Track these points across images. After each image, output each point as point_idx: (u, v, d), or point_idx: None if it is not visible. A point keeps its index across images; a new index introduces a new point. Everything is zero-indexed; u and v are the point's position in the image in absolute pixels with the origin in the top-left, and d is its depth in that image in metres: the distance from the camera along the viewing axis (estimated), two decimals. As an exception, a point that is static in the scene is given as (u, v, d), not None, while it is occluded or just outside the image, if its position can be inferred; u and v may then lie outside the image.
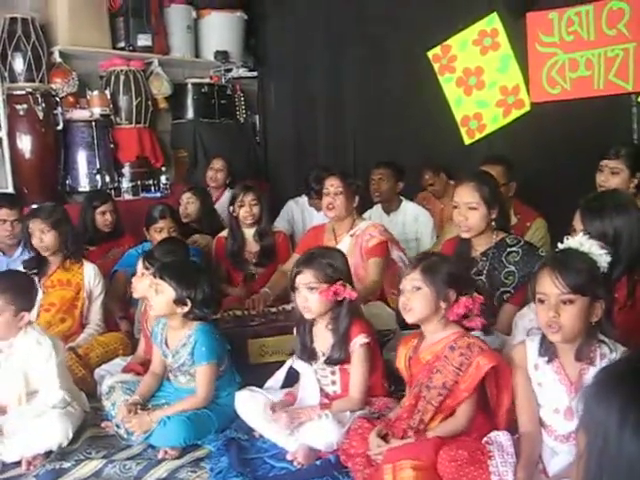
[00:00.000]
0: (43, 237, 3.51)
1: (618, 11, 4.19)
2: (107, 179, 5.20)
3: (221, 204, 5.10)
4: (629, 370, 1.07)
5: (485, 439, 2.09)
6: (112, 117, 5.41)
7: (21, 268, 3.53)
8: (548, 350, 2.09)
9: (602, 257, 2.05)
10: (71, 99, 5.18)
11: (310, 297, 2.56)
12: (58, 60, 5.18)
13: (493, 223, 3.01)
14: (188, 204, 4.66)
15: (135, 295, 3.22)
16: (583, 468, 1.06)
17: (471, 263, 3.03)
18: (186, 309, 2.75)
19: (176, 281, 2.73)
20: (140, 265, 3.11)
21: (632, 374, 1.05)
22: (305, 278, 2.57)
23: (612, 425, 0.99)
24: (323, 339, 2.64)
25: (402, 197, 4.86)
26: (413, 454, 2.05)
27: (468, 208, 2.98)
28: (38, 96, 4.75)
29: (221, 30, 6.27)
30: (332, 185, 3.65)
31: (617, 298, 2.33)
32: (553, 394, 2.09)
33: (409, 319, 2.30)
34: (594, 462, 1.03)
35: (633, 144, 4.01)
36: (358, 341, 2.56)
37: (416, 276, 2.27)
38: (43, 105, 4.76)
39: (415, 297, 2.26)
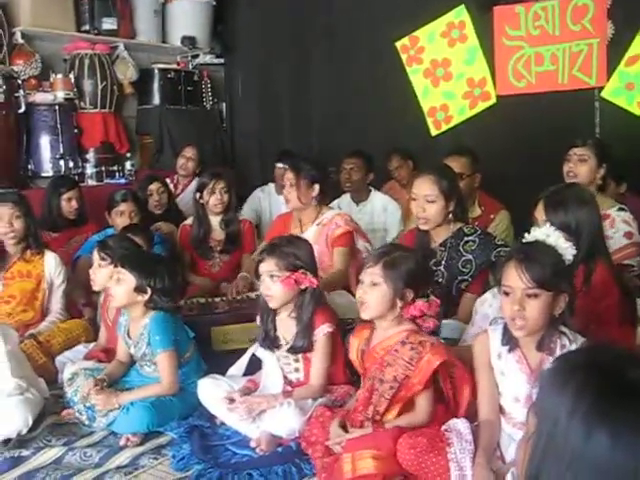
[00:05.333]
0: (14, 223, 3.44)
1: (583, 7, 4.25)
2: (71, 164, 5.11)
3: (189, 192, 5.05)
4: (584, 361, 1.08)
5: (444, 427, 2.12)
6: (76, 101, 5.32)
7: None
8: (510, 340, 2.12)
9: (568, 250, 2.07)
10: (34, 82, 5.07)
11: (272, 285, 2.56)
12: (20, 41, 5.07)
13: (450, 215, 3.05)
14: (162, 194, 4.59)
15: (95, 288, 3.17)
16: (529, 450, 1.08)
17: (431, 254, 3.06)
18: (146, 297, 2.74)
19: (136, 268, 2.73)
20: (96, 256, 3.06)
21: (586, 366, 1.06)
22: (267, 266, 2.57)
23: (562, 413, 1.01)
24: (286, 327, 2.64)
25: (371, 187, 4.88)
26: (372, 444, 2.08)
27: (426, 201, 3.01)
28: (-1, 78, 4.64)
29: (188, 15, 6.20)
30: (287, 178, 3.63)
31: (574, 285, 2.37)
32: (514, 383, 2.12)
33: (364, 315, 2.32)
34: (540, 446, 1.05)
35: (598, 138, 4.08)
36: (322, 330, 2.57)
37: (376, 271, 2.28)
38: (4, 87, 4.62)
39: (372, 292, 2.28)
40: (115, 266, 2.79)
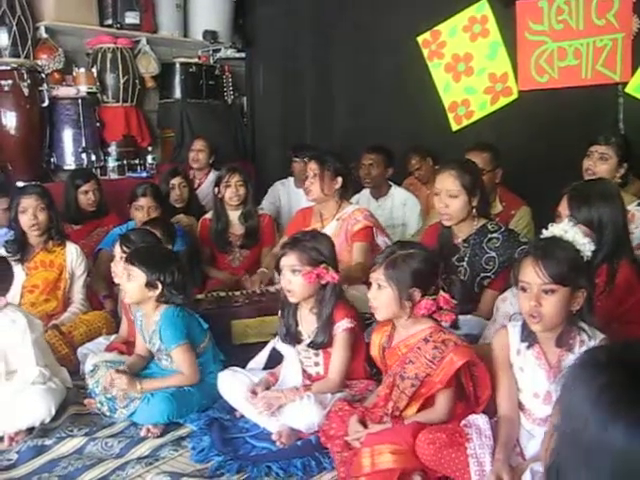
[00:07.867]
0: (38, 215, 3.49)
1: (607, 1, 4.19)
2: (93, 158, 5.16)
3: (206, 185, 5.09)
4: (609, 359, 1.07)
5: (463, 422, 2.12)
6: (99, 95, 5.37)
7: (1, 249, 3.51)
8: (529, 336, 2.11)
9: (586, 246, 2.05)
10: (57, 76, 5.12)
11: (293, 279, 2.56)
12: (44, 36, 5.12)
13: (474, 210, 3.03)
14: (183, 188, 4.61)
15: (117, 280, 3.21)
16: (552, 446, 1.08)
17: (454, 250, 3.05)
18: (157, 292, 2.76)
19: (146, 264, 2.74)
20: (118, 249, 3.09)
21: (612, 363, 1.06)
22: (289, 260, 2.57)
23: (586, 410, 1.01)
24: (307, 322, 2.65)
25: (390, 182, 4.87)
26: (391, 439, 2.08)
27: (449, 196, 2.99)
28: (23, 72, 4.67)
29: (210, 9, 6.22)
30: (310, 169, 3.63)
31: (597, 284, 2.36)
32: (533, 379, 2.11)
33: (377, 317, 2.31)
34: (562, 442, 1.05)
35: (622, 135, 4.03)
36: (342, 325, 2.58)
37: (380, 275, 2.25)
38: (28, 81, 4.68)
39: (379, 295, 2.26)
40: (125, 263, 2.81)
